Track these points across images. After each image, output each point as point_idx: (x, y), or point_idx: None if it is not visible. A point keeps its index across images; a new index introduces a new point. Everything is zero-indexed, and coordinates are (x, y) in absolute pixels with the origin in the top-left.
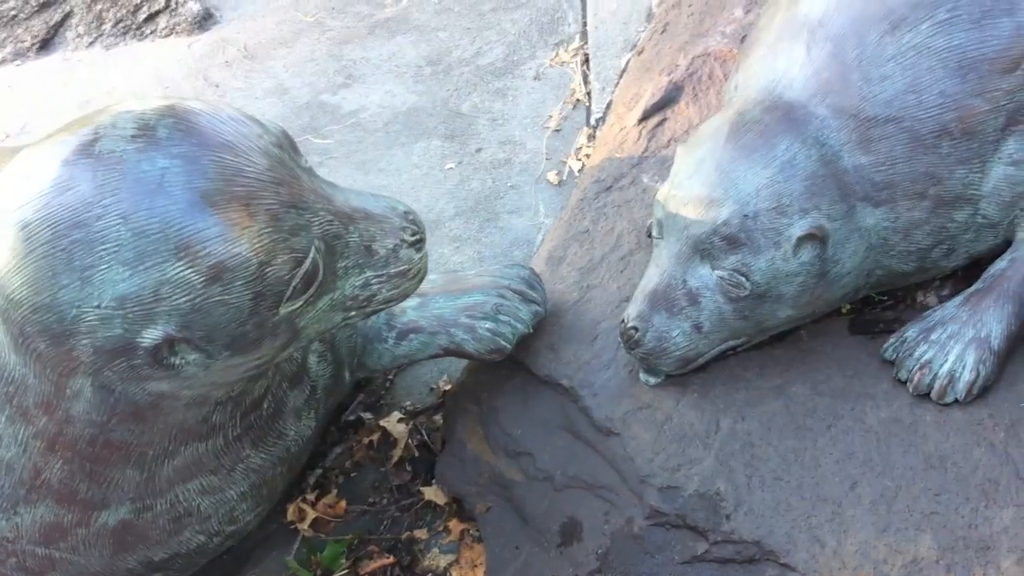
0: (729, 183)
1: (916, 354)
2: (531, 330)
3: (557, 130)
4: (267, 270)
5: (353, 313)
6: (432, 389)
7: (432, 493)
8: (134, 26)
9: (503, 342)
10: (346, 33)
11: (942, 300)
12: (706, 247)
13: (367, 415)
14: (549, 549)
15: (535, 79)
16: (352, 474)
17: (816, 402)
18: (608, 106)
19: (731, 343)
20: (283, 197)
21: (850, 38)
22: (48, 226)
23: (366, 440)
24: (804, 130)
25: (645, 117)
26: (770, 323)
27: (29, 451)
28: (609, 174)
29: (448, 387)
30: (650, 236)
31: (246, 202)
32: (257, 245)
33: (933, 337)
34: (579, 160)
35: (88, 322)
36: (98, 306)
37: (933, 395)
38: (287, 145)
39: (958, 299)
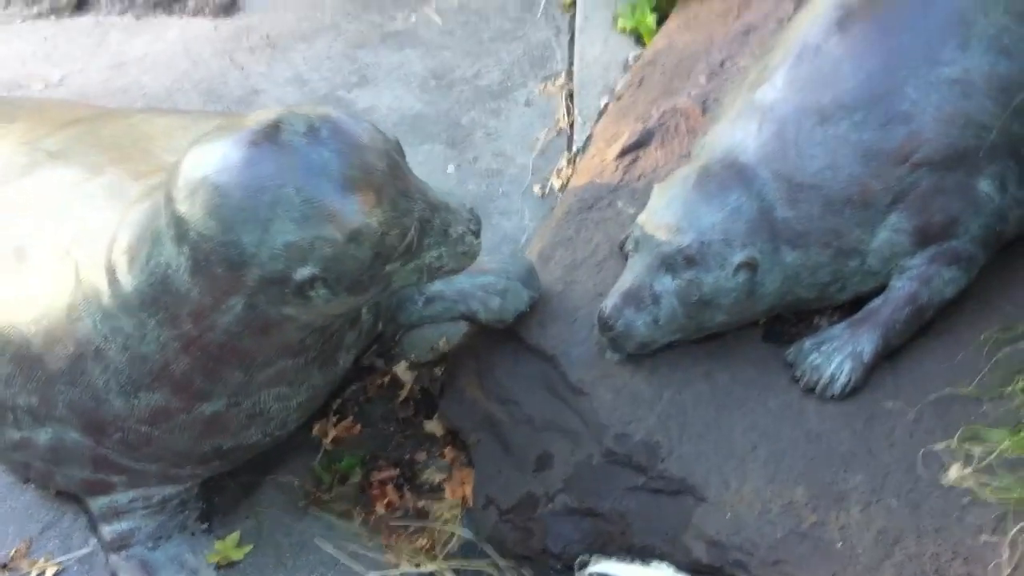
0: (693, 217)
1: (808, 360)
2: (528, 309)
3: (543, 151)
4: (385, 238)
5: (425, 276)
6: (432, 348)
7: (432, 426)
8: (164, 1)
9: (507, 315)
10: (360, 38)
11: (832, 323)
12: (671, 262)
13: (379, 362)
14: (526, 473)
15: (526, 104)
16: (366, 406)
17: (733, 387)
18: (588, 138)
19: (678, 336)
20: (399, 188)
21: (791, 123)
22: (242, 188)
23: (378, 381)
24: (751, 186)
25: (622, 154)
26: (708, 324)
27: (166, 349)
28: (591, 195)
29: (447, 348)
30: (621, 249)
31: (377, 190)
32: (382, 220)
33: (822, 349)
34: (560, 179)
35: (261, 258)
36: (271, 247)
37: (817, 391)
38: (399, 151)
39: (843, 323)
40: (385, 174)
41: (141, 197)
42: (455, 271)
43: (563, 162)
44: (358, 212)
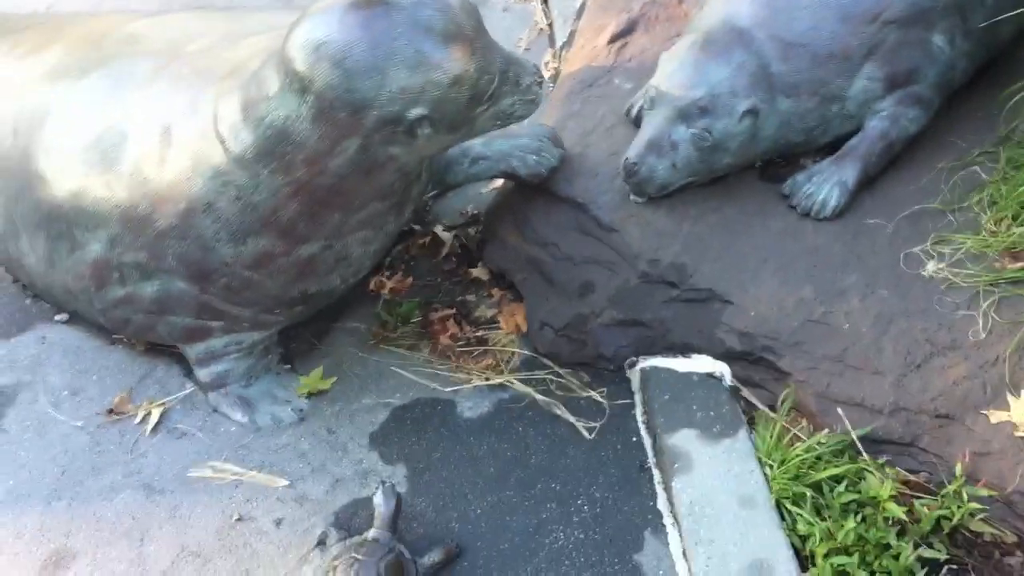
0: (703, 75)
1: (803, 189)
2: (558, 164)
3: (527, 49)
4: (479, 83)
5: (499, 122)
6: (462, 213)
7: (478, 272)
8: None
9: (542, 170)
10: None
11: (816, 162)
12: (686, 113)
13: (416, 227)
14: (572, 299)
15: (504, 11)
16: (412, 263)
17: (740, 217)
18: (572, 33)
19: (691, 179)
20: (486, 43)
21: None
22: (362, 42)
23: (420, 242)
24: (749, 47)
25: (612, 40)
26: (717, 166)
27: (277, 196)
28: (589, 76)
29: (475, 212)
30: (628, 115)
31: (471, 42)
32: (476, 67)
33: (813, 180)
34: (548, 70)
35: (380, 101)
36: (389, 91)
37: (812, 214)
38: (479, 15)
39: (829, 159)
40: (476, 30)
41: (232, 72)
42: (523, 117)
43: (548, 56)
44: (459, 60)
